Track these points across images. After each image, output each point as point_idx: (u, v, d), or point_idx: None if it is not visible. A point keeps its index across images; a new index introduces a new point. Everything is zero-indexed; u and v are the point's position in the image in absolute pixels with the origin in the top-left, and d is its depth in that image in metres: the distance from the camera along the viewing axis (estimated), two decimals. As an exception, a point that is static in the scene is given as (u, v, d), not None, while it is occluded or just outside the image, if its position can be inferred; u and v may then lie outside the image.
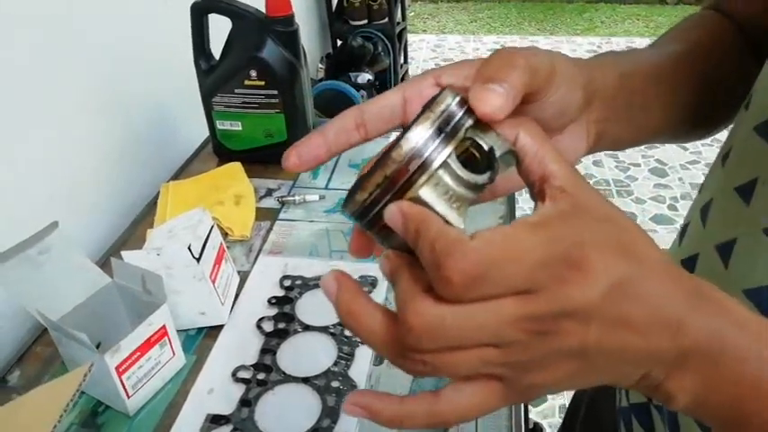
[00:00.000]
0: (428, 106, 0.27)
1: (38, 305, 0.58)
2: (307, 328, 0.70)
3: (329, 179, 1.00)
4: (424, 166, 0.25)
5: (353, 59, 2.17)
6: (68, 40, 0.83)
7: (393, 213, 0.25)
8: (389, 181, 0.25)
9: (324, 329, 0.69)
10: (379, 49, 2.24)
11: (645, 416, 0.46)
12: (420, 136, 0.25)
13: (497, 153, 0.27)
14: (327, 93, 2.01)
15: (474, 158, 0.27)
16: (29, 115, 0.77)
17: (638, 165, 2.66)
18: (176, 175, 1.01)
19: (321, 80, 2.13)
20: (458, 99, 0.27)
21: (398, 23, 2.40)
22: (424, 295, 0.25)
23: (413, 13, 4.62)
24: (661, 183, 2.55)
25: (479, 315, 0.24)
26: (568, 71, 0.31)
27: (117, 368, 0.58)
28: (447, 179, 0.26)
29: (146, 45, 1.04)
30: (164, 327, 0.62)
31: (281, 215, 0.91)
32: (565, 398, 1.65)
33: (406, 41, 2.68)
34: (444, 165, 0.26)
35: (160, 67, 1.08)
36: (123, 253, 0.65)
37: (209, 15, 0.94)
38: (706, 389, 0.26)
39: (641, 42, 4.08)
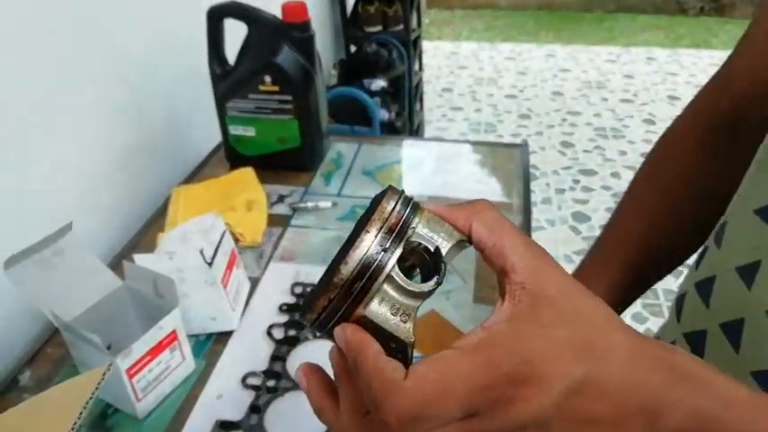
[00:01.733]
0: (372, 217, 0.27)
1: (51, 306, 0.59)
2: (317, 335, 0.69)
3: (342, 186, 1.00)
4: (365, 288, 0.26)
5: (367, 66, 2.17)
6: (85, 45, 0.84)
7: (338, 337, 0.27)
8: (334, 305, 0.26)
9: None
10: (394, 55, 2.24)
11: None
12: (361, 257, 0.26)
13: (446, 247, 0.28)
14: (341, 99, 2.02)
15: (422, 256, 0.28)
16: (45, 119, 0.77)
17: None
18: (188, 180, 1.02)
19: (334, 86, 2.13)
20: (400, 204, 0.27)
21: (414, 30, 2.40)
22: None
23: (428, 21, 4.63)
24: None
25: None
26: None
27: (128, 371, 0.58)
28: (393, 293, 0.27)
29: (161, 49, 1.05)
30: (174, 331, 0.62)
31: (293, 221, 0.91)
32: None
33: (422, 48, 2.68)
34: (388, 279, 0.26)
35: (175, 72, 1.09)
36: (135, 256, 0.65)
37: (225, 20, 0.95)
38: None
39: (660, 53, 4.06)
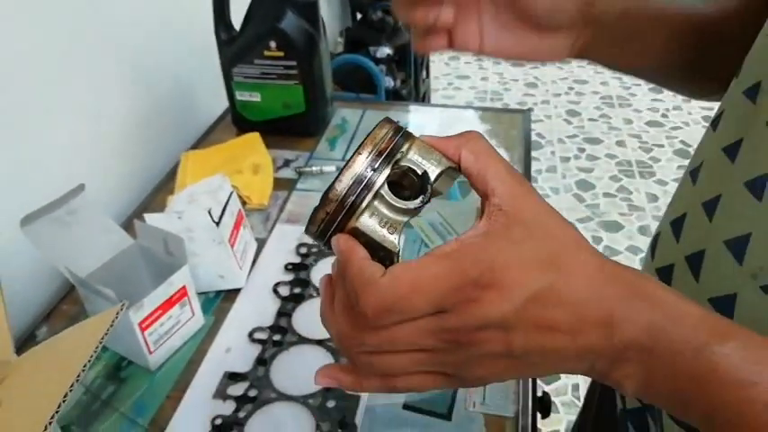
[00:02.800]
0: (364, 142, 0.31)
1: (66, 263, 0.61)
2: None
3: (346, 150, 1.01)
4: (357, 202, 0.30)
5: (373, 33, 2.16)
6: (94, 16, 0.85)
7: (333, 247, 0.31)
8: (330, 217, 0.30)
9: (338, 295, 0.71)
10: (399, 22, 2.23)
11: (640, 420, 0.48)
12: (354, 174, 0.30)
13: (435, 173, 0.31)
14: (346, 66, 2.01)
15: (414, 181, 0.31)
16: (60, 86, 0.79)
17: (662, 146, 2.62)
18: (196, 145, 1.03)
19: (340, 53, 2.13)
20: (391, 132, 0.31)
21: (420, -3, 2.37)
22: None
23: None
24: (685, 164, 2.51)
25: (397, 332, 0.28)
26: None
27: (140, 324, 0.60)
28: (382, 208, 0.30)
29: (168, 17, 1.05)
30: (184, 287, 0.64)
31: (299, 185, 0.93)
32: (578, 379, 1.67)
33: (428, 16, 2.66)
34: (378, 196, 0.30)
35: (181, 39, 1.09)
36: (146, 216, 0.68)
37: (231, -15, 0.95)
38: (647, 379, 0.28)
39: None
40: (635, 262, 1.97)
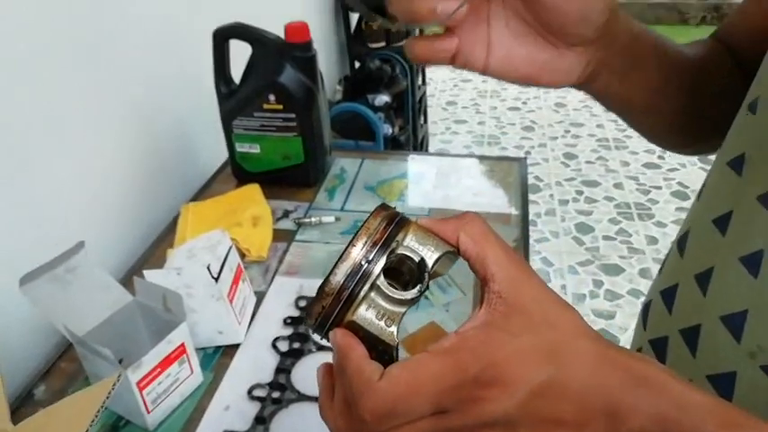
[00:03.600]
0: (359, 232, 0.31)
1: (65, 321, 0.61)
2: (321, 347, 0.71)
3: (345, 201, 1.02)
4: (352, 296, 0.30)
5: (371, 81, 2.20)
6: (98, 70, 0.87)
7: (331, 342, 0.30)
8: (326, 311, 0.30)
9: (337, 349, 0.70)
10: (397, 71, 2.27)
11: None
12: (347, 268, 0.30)
13: (433, 258, 0.30)
14: (345, 114, 2.05)
15: (412, 271, 0.31)
16: (60, 141, 0.80)
17: (660, 187, 2.64)
18: (196, 197, 1.04)
19: (339, 101, 2.16)
20: (386, 221, 0.31)
21: (417, 46, 2.43)
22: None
23: (432, 33, 4.67)
24: (683, 206, 2.52)
25: None
26: None
27: (138, 383, 0.60)
28: (379, 300, 0.30)
29: (170, 70, 1.08)
30: (183, 344, 0.64)
31: (298, 236, 0.93)
32: None
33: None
34: (374, 288, 0.30)
35: (183, 92, 1.12)
36: (145, 272, 0.68)
37: (231, 41, 0.98)
38: None
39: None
40: (636, 306, 1.96)
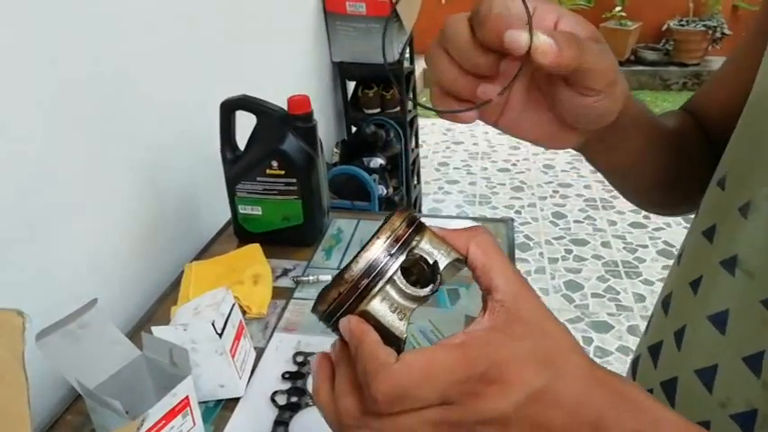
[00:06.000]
0: (383, 227, 0.32)
1: (76, 375, 0.65)
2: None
3: (342, 260, 1.07)
4: (370, 286, 0.31)
5: (367, 145, 2.30)
6: (110, 136, 0.94)
7: (343, 327, 0.31)
8: (342, 298, 0.31)
9: (333, 403, 0.74)
10: (391, 135, 2.37)
11: None
12: (370, 258, 0.31)
13: (444, 263, 0.32)
14: (342, 176, 2.12)
15: (423, 270, 0.33)
16: (73, 204, 0.86)
17: (646, 246, 2.71)
18: (199, 255, 1.09)
19: (336, 164, 2.25)
20: (407, 221, 0.32)
21: (410, 111, 2.54)
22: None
23: (425, 99, 4.84)
24: (669, 264, 2.58)
25: (401, 421, 0.29)
26: (623, 88, 0.37)
27: (144, 435, 0.63)
28: (393, 294, 0.31)
29: (177, 138, 1.15)
30: (187, 397, 0.67)
31: (296, 294, 0.98)
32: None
33: (417, 127, 2.83)
34: (391, 281, 0.31)
35: (189, 158, 1.18)
36: (153, 328, 0.72)
37: (237, 112, 1.05)
38: None
39: (644, 127, 4.23)
40: (626, 363, 1.98)
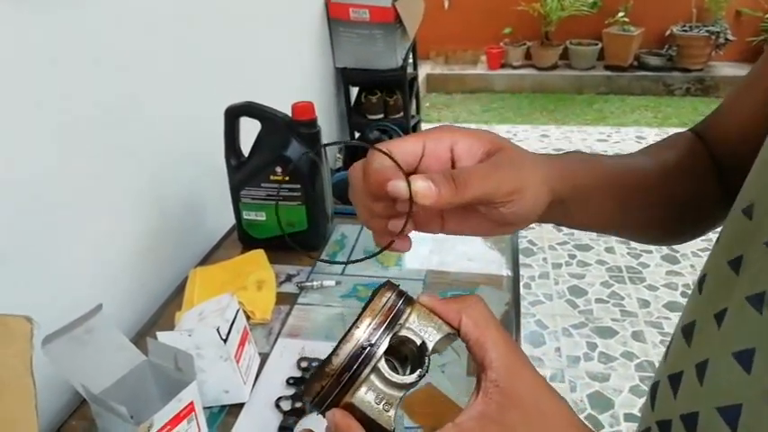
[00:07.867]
0: (364, 312, 0.31)
1: (81, 380, 0.65)
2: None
3: (345, 265, 1.07)
4: (354, 377, 0.30)
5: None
6: (115, 145, 0.94)
7: (329, 420, 0.31)
8: (325, 391, 0.31)
9: (337, 408, 0.74)
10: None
11: None
12: (349, 351, 0.30)
13: (435, 340, 0.32)
14: (345, 181, 2.12)
15: (413, 352, 0.32)
16: (79, 212, 0.86)
17: (650, 251, 2.70)
18: (203, 261, 1.10)
19: (339, 169, 2.25)
20: (390, 302, 0.32)
21: (413, 117, 2.55)
22: None
23: (428, 104, 4.85)
24: (673, 269, 2.58)
25: None
26: (536, 188, 0.37)
27: (149, 440, 0.63)
28: (378, 383, 0.31)
29: (182, 144, 1.15)
30: (192, 403, 0.68)
31: (300, 299, 0.98)
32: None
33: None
34: (375, 370, 0.31)
35: (195, 163, 1.19)
36: (158, 334, 0.72)
37: (241, 118, 1.06)
38: None
39: (649, 132, 4.23)
40: (630, 368, 1.98)
